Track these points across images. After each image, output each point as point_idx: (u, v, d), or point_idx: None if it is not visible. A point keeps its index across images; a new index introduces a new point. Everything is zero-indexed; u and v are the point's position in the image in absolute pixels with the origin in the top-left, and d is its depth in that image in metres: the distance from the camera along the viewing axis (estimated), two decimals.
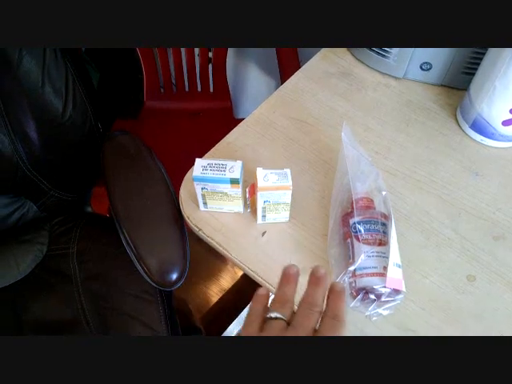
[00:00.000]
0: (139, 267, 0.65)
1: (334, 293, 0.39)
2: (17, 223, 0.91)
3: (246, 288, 1.35)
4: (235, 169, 0.57)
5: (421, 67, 0.78)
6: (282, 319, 0.37)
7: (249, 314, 0.39)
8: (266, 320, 0.38)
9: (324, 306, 0.39)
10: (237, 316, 1.26)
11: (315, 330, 0.37)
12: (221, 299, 1.35)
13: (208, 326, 1.29)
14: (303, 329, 0.36)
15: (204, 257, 1.41)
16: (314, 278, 0.39)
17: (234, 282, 1.39)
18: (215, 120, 1.29)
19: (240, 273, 1.40)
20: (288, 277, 0.40)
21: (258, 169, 0.57)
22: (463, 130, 0.74)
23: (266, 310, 0.39)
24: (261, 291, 0.40)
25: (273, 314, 0.37)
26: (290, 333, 0.36)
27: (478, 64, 0.70)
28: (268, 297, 0.40)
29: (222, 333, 1.23)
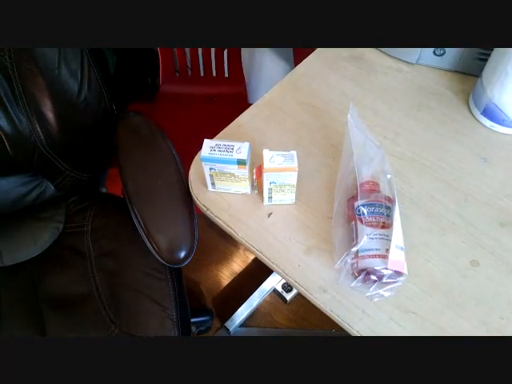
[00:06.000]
0: (149, 245, 0.67)
1: None
2: (34, 201, 0.94)
3: (257, 272, 1.37)
4: (242, 150, 0.59)
5: (434, 52, 0.78)
6: None
7: None
8: None
9: None
10: (247, 299, 1.29)
11: None
12: (232, 282, 1.38)
13: (219, 308, 1.31)
14: None
15: (216, 241, 1.44)
16: None
17: (246, 265, 1.41)
18: (229, 105, 1.30)
19: (251, 257, 1.41)
20: None
21: (264, 150, 0.58)
22: (474, 117, 0.73)
23: None
24: None
25: None
26: None
27: (492, 50, 0.69)
28: None
29: (232, 315, 1.26)
